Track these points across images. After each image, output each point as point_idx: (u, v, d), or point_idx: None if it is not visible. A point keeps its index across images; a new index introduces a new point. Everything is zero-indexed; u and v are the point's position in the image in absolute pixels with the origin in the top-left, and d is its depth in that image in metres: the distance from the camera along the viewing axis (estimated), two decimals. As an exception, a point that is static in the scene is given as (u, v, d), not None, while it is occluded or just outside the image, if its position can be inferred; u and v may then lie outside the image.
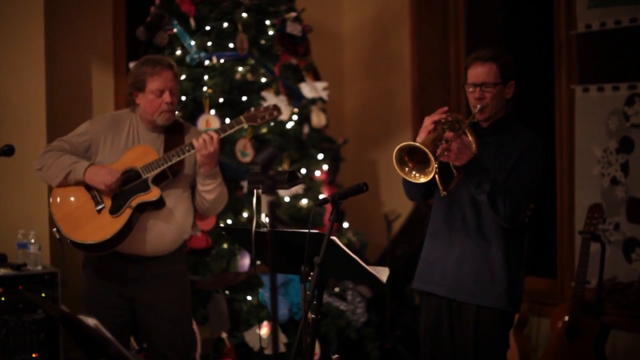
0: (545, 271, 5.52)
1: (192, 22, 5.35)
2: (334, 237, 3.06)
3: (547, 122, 5.48)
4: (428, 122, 3.48)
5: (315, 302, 3.11)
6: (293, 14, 5.65)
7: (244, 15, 5.39)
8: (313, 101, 5.72)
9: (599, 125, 5.08)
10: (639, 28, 4.89)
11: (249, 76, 5.38)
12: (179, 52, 5.32)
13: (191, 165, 4.04)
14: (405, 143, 3.25)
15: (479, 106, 3.55)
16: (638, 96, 4.90)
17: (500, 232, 3.55)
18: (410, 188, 3.69)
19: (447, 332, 3.66)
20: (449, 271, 3.63)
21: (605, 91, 5.06)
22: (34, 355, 4.79)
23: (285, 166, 5.45)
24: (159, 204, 3.92)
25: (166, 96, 3.95)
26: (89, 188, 3.92)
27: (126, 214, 3.86)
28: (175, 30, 5.33)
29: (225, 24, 5.35)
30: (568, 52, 5.26)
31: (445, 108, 3.53)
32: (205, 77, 5.27)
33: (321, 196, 5.44)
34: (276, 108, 4.14)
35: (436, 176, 3.39)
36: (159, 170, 3.90)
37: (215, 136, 3.91)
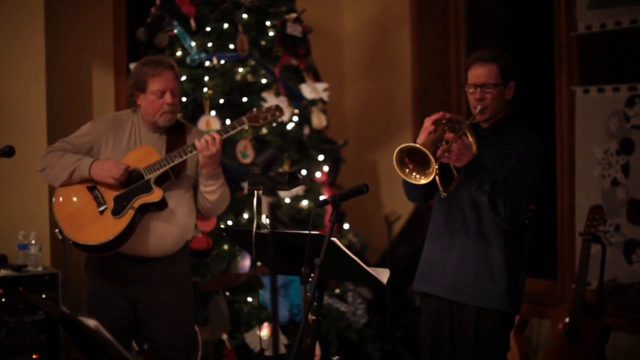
0: (545, 272, 5.52)
1: (193, 23, 5.35)
2: (334, 239, 3.06)
3: (547, 123, 5.47)
4: (428, 123, 3.48)
5: (315, 304, 3.11)
6: (293, 15, 5.65)
7: (245, 16, 5.39)
8: (313, 102, 5.72)
9: (599, 126, 5.07)
10: (639, 29, 4.89)
11: (250, 77, 5.38)
12: (179, 53, 5.32)
13: (193, 166, 4.03)
14: (405, 144, 3.25)
15: (479, 107, 3.55)
16: (638, 97, 4.90)
17: (500, 233, 3.55)
18: (411, 189, 3.69)
19: (447, 333, 3.66)
20: (449, 272, 3.63)
21: (605, 92, 5.06)
22: (34, 356, 4.79)
23: (285, 167, 5.45)
24: (162, 205, 3.91)
25: (167, 97, 3.95)
26: (91, 189, 3.92)
27: (128, 215, 3.86)
28: (175, 31, 5.33)
29: (226, 25, 5.35)
30: (568, 53, 5.26)
31: (447, 115, 3.52)
32: (206, 78, 5.27)
33: (322, 197, 5.43)
34: (278, 109, 4.13)
35: (436, 177, 3.39)
36: (161, 171, 3.90)
37: (217, 137, 3.90)
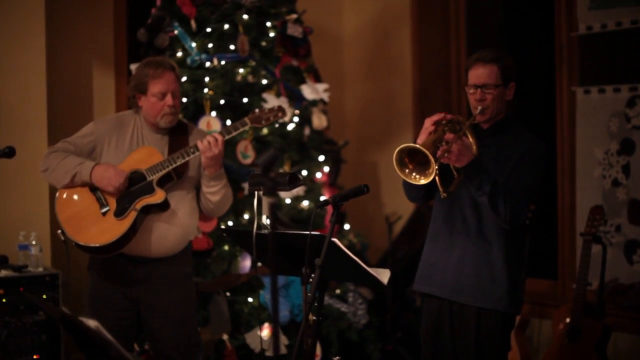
0: (546, 273, 5.52)
1: (193, 24, 5.35)
2: (335, 239, 3.06)
3: (548, 124, 5.48)
4: (428, 124, 3.48)
5: (316, 304, 3.11)
6: (294, 16, 5.65)
7: (245, 17, 5.39)
8: (314, 103, 5.72)
9: (600, 127, 5.07)
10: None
11: (250, 78, 5.38)
12: (179, 54, 5.32)
13: (196, 167, 4.03)
14: (405, 144, 3.25)
15: (479, 108, 3.55)
16: (639, 98, 4.90)
17: (501, 233, 3.55)
18: (411, 189, 3.69)
19: (448, 333, 3.66)
20: (449, 273, 3.62)
21: (606, 93, 5.06)
22: (35, 356, 4.79)
23: (286, 168, 5.46)
24: (164, 206, 3.91)
25: (168, 99, 3.94)
26: (93, 190, 3.92)
27: (131, 216, 3.86)
28: (176, 32, 5.33)
29: (226, 26, 5.35)
30: (569, 54, 5.26)
31: (446, 113, 3.52)
32: (206, 79, 5.27)
33: (322, 198, 5.44)
34: (281, 109, 4.12)
35: (436, 178, 3.38)
36: (163, 172, 3.90)
37: (219, 138, 3.90)
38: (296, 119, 5.54)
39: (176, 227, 3.98)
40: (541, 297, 5.36)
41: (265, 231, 3.24)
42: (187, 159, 3.91)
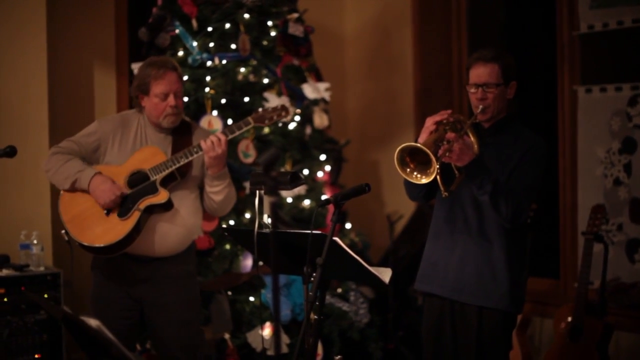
0: (548, 272, 5.51)
1: (194, 23, 5.35)
2: (336, 238, 3.06)
3: (549, 123, 5.47)
4: (430, 123, 3.48)
5: (317, 303, 3.11)
6: (295, 15, 5.65)
7: (246, 16, 5.39)
8: (315, 102, 5.72)
9: (601, 125, 5.07)
10: (641, 28, 4.89)
11: (251, 77, 5.38)
12: (181, 53, 5.32)
13: (199, 166, 4.03)
14: (406, 144, 3.25)
15: (480, 107, 3.54)
16: (641, 96, 4.90)
17: (502, 232, 3.54)
18: (412, 189, 3.69)
19: (449, 333, 3.66)
20: (450, 272, 3.62)
21: (607, 92, 5.05)
22: (36, 355, 4.79)
23: (287, 167, 5.45)
24: (168, 206, 3.91)
25: (171, 100, 3.94)
26: None
27: (134, 216, 3.86)
28: (177, 31, 5.33)
29: (228, 25, 5.35)
30: (570, 53, 5.26)
31: (449, 111, 3.52)
32: (208, 78, 5.27)
33: (323, 197, 5.43)
34: (284, 108, 4.12)
35: (438, 177, 3.38)
36: (167, 172, 3.90)
37: (223, 138, 3.90)
38: (297, 118, 5.54)
39: (180, 227, 3.98)
40: (543, 296, 5.35)
41: (267, 230, 3.24)
42: (190, 158, 3.91)
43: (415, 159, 3.29)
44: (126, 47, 5.95)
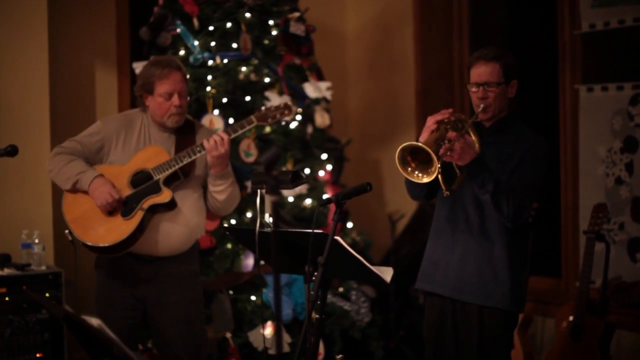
0: (549, 271, 5.51)
1: (196, 22, 5.35)
2: (337, 237, 3.06)
3: (551, 122, 5.47)
4: (431, 122, 3.48)
5: (319, 302, 3.11)
6: (296, 14, 5.65)
7: (248, 15, 5.39)
8: (317, 101, 5.72)
9: (603, 125, 5.07)
10: (643, 27, 4.88)
11: (253, 76, 5.38)
12: (182, 53, 5.32)
13: (202, 166, 4.03)
14: (407, 143, 3.25)
15: (482, 106, 3.54)
16: (642, 95, 4.90)
17: (503, 231, 3.54)
18: (413, 188, 3.69)
19: (450, 332, 3.65)
20: (452, 271, 3.62)
21: (609, 91, 5.05)
22: (38, 355, 4.79)
23: (289, 166, 5.45)
24: (171, 205, 3.91)
25: (175, 99, 3.94)
26: None
27: (138, 216, 3.86)
28: (178, 30, 5.33)
29: (229, 24, 5.35)
30: (572, 52, 5.26)
31: (450, 110, 3.52)
32: (209, 77, 5.27)
33: (325, 196, 5.44)
34: (287, 107, 4.10)
35: (439, 176, 3.38)
36: (170, 171, 3.89)
37: (226, 138, 3.89)
38: (299, 117, 5.54)
39: (183, 226, 3.98)
40: (544, 295, 5.35)
41: (268, 229, 3.24)
42: (193, 157, 3.91)
43: (416, 158, 3.29)
44: (127, 47, 5.96)
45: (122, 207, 3.87)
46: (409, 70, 6.33)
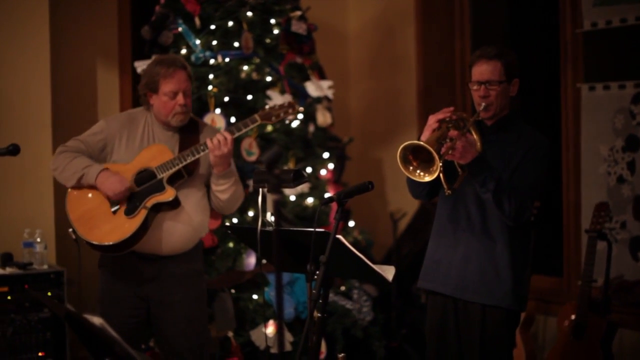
0: (551, 269, 5.51)
1: (197, 21, 5.35)
2: (339, 236, 3.05)
3: (553, 121, 5.47)
4: (432, 121, 3.48)
5: (321, 301, 3.11)
6: (298, 13, 5.65)
7: (249, 14, 5.39)
8: (318, 100, 5.72)
9: (605, 123, 5.06)
10: (645, 26, 4.88)
11: (254, 75, 5.37)
12: (184, 51, 5.32)
13: (206, 165, 4.03)
14: (409, 142, 3.25)
15: (483, 104, 3.54)
16: (644, 94, 4.90)
17: (505, 230, 3.54)
18: (415, 187, 3.69)
19: (453, 331, 3.65)
20: (454, 270, 3.62)
21: (611, 89, 5.04)
22: (40, 354, 4.80)
23: (290, 165, 5.45)
24: (175, 204, 3.91)
25: (180, 98, 3.94)
26: None
27: (141, 214, 3.86)
28: (180, 29, 5.32)
29: (230, 23, 5.35)
30: (574, 51, 5.25)
31: (451, 108, 3.52)
32: (211, 76, 5.27)
33: (327, 195, 5.44)
34: (291, 105, 4.10)
35: (441, 175, 3.38)
36: (173, 170, 3.89)
37: (229, 137, 3.88)
38: (300, 116, 5.54)
39: (186, 225, 3.98)
40: (546, 294, 5.35)
41: (270, 228, 3.24)
42: (197, 156, 3.91)
43: (418, 156, 3.29)
44: (129, 46, 5.96)
45: (126, 204, 3.88)
46: (411, 69, 6.33)
